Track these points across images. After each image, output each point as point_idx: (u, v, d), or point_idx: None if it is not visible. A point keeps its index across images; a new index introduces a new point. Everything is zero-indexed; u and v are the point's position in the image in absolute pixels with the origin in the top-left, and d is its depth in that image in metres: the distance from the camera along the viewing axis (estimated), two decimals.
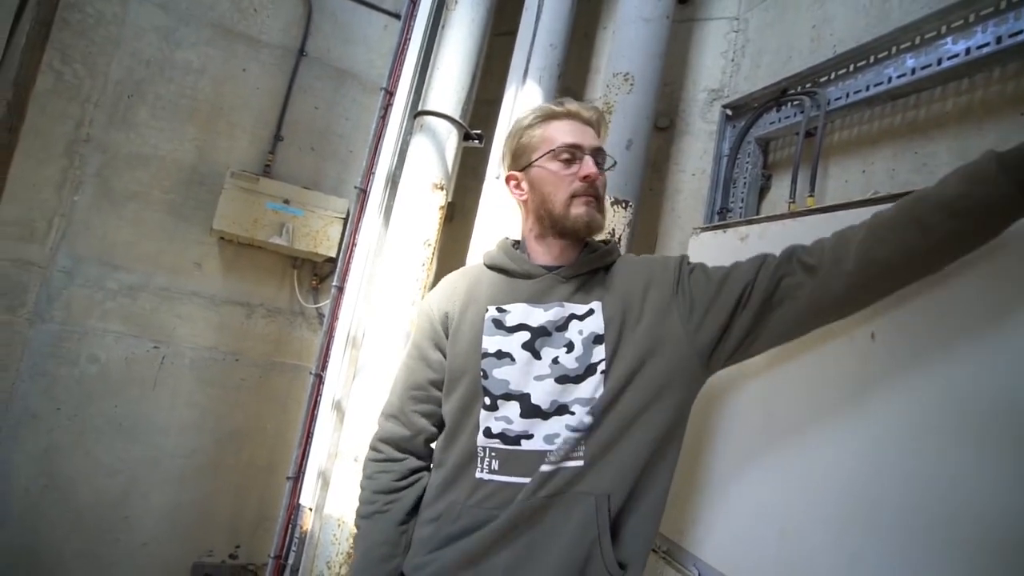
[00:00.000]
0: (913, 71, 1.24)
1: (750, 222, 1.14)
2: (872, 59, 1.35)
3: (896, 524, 0.76)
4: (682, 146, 1.98)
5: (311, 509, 2.09)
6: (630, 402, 0.88)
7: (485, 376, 0.92)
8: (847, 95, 1.39)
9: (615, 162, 1.00)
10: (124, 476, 2.23)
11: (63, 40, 2.17)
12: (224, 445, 2.37)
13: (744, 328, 0.86)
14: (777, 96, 1.59)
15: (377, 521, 0.97)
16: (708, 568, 1.07)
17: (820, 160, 1.41)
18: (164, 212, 2.30)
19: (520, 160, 0.99)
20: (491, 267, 1.02)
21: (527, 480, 0.86)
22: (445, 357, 0.98)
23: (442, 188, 1.96)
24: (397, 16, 2.61)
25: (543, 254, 0.98)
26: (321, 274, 2.52)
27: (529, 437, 0.89)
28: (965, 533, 0.68)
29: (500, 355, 0.92)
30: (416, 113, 2.07)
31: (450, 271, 1.97)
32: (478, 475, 0.89)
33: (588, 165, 0.92)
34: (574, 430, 0.87)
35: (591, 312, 0.92)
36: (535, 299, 0.94)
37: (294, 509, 2.16)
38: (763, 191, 1.66)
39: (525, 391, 0.90)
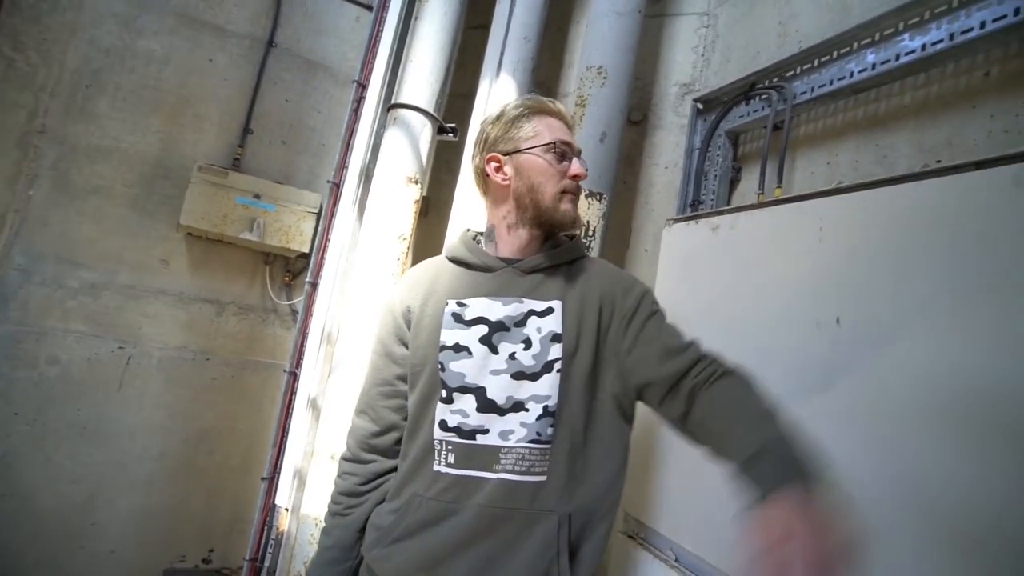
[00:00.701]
0: (873, 66, 1.29)
1: (721, 213, 1.16)
2: (835, 54, 1.39)
3: (861, 496, 0.79)
4: (655, 140, 2.01)
5: (287, 509, 2.06)
6: (585, 405, 0.90)
7: (442, 368, 0.92)
8: (812, 89, 1.43)
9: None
10: (89, 481, 2.15)
11: (14, 26, 2.07)
12: (195, 446, 2.31)
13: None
14: (746, 90, 1.63)
15: (337, 523, 0.98)
16: (684, 552, 1.09)
17: (787, 152, 1.45)
18: (127, 207, 2.22)
19: (506, 145, 0.98)
20: (451, 259, 1.02)
21: (484, 474, 0.87)
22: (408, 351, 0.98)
23: (416, 182, 1.94)
24: (369, 7, 2.57)
25: (507, 245, 0.98)
26: (294, 270, 2.47)
27: (484, 432, 0.89)
28: (926, 503, 0.71)
29: (457, 348, 0.92)
30: (390, 106, 2.04)
31: None
32: (435, 468, 0.90)
33: (577, 165, 0.95)
34: (534, 440, 0.87)
35: (550, 310, 0.93)
36: (494, 293, 0.94)
37: (269, 510, 2.12)
38: (733, 183, 1.70)
39: (481, 384, 0.90)
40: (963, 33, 1.11)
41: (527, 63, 1.86)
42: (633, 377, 0.89)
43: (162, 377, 2.26)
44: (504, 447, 0.88)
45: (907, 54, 1.22)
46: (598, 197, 1.63)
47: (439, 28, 2.02)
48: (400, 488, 0.95)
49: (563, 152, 0.95)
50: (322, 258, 2.27)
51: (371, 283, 1.89)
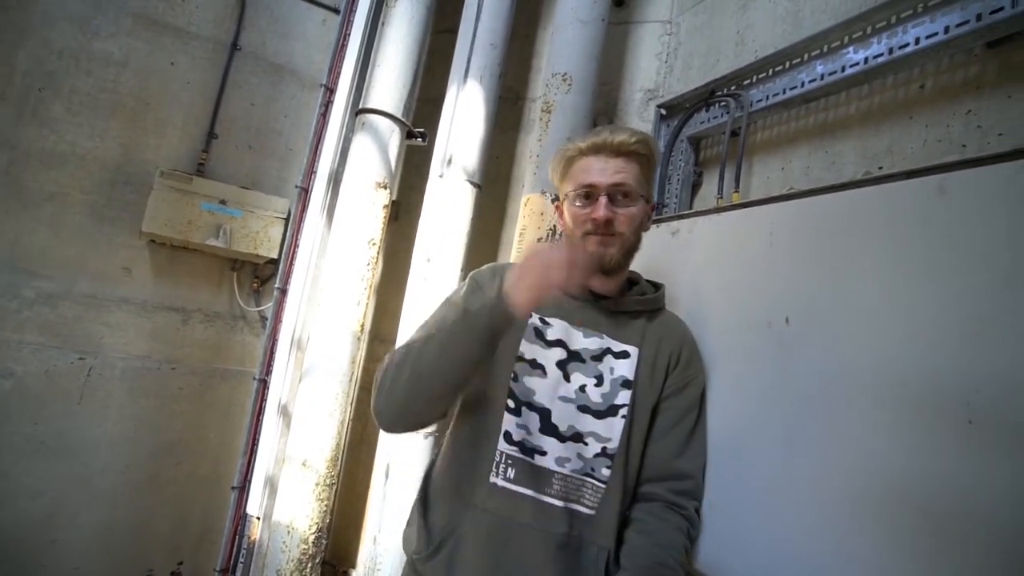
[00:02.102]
0: (822, 76, 1.35)
1: (680, 217, 1.21)
2: (787, 64, 1.45)
3: (814, 494, 0.84)
4: None
5: (259, 518, 2.03)
6: (636, 454, 0.94)
7: (515, 379, 0.93)
8: (767, 97, 1.49)
9: (643, 195, 0.96)
10: (49, 497, 2.09)
11: None
12: (162, 458, 2.26)
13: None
14: (706, 97, 1.69)
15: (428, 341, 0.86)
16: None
17: (744, 158, 1.51)
18: (86, 214, 2.15)
19: (561, 189, 1.01)
20: None
21: (538, 496, 0.89)
22: None
23: (385, 187, 1.95)
24: (336, 11, 2.55)
25: (596, 280, 0.98)
26: (262, 276, 2.44)
27: (543, 453, 0.91)
28: (873, 489, 0.76)
29: (534, 364, 0.93)
30: (358, 111, 2.04)
31: (397, 271, 1.96)
32: (492, 480, 0.90)
33: (599, 207, 0.92)
34: (588, 474, 0.91)
35: (626, 355, 0.96)
36: (576, 322, 0.96)
37: (241, 519, 2.09)
38: (695, 187, 1.75)
39: (547, 407, 0.92)
40: (900, 48, 1.18)
41: (494, 69, 1.89)
42: (654, 442, 0.96)
43: (125, 388, 2.20)
44: (558, 473, 0.91)
45: (851, 66, 1.28)
46: None
47: (406, 33, 2.03)
48: (451, 493, 0.93)
49: (587, 194, 0.94)
50: (291, 264, 2.25)
51: (341, 288, 1.88)
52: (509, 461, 0.91)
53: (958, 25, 1.09)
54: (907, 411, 0.74)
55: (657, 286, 1.06)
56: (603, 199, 0.92)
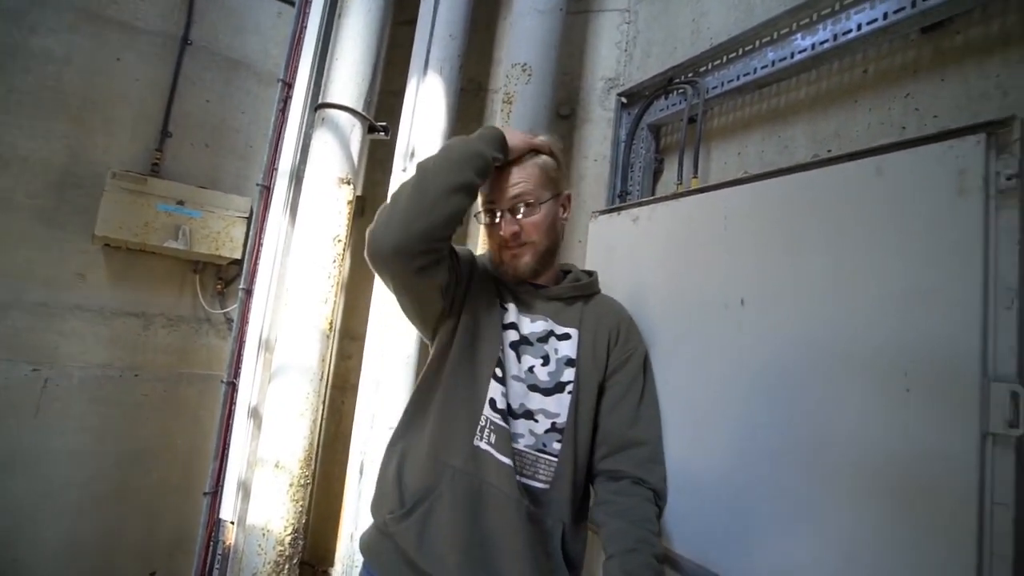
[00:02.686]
0: (773, 63, 1.39)
1: (640, 204, 1.23)
2: (741, 51, 1.49)
3: (773, 464, 0.87)
4: (584, 133, 2.08)
5: (233, 522, 2.00)
6: (585, 428, 0.97)
7: (503, 350, 0.96)
8: (722, 84, 1.53)
9: (549, 194, 0.98)
10: (7, 515, 2.01)
11: None
12: (129, 467, 2.19)
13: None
14: (664, 85, 1.71)
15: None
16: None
17: (702, 144, 1.54)
18: (34, 219, 2.05)
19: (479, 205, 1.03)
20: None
21: (505, 460, 0.91)
22: (457, 282, 0.98)
23: (349, 182, 1.92)
24: (291, 2, 2.48)
25: None
26: (226, 277, 2.38)
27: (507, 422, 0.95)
28: (828, 458, 0.80)
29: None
30: (317, 106, 2.00)
31: (365, 267, 1.94)
32: (476, 443, 0.92)
33: (503, 225, 0.96)
34: (540, 449, 0.94)
35: (568, 336, 1.01)
36: (524, 308, 1.01)
37: (214, 525, 2.05)
38: (657, 174, 1.78)
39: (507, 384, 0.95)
40: (844, 34, 1.23)
41: (454, 61, 1.87)
42: (605, 416, 0.99)
43: (85, 398, 2.13)
44: (513, 448, 0.93)
45: (800, 52, 1.32)
46: None
47: (364, 24, 1.99)
48: (427, 453, 0.93)
49: (491, 211, 0.98)
50: (255, 264, 2.20)
51: (308, 287, 1.86)
52: (492, 427, 0.93)
53: (895, 11, 1.14)
54: (853, 383, 0.78)
55: (590, 273, 1.11)
56: (507, 216, 0.96)
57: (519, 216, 0.96)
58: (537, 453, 0.94)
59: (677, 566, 1.01)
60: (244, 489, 1.98)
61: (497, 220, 0.98)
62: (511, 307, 1.01)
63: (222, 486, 2.05)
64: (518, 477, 0.91)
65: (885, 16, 1.15)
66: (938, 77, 1.11)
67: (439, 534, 0.89)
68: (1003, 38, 1.01)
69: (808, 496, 0.82)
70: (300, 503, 1.83)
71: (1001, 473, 0.63)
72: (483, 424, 0.93)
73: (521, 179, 0.97)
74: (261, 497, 1.81)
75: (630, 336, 1.06)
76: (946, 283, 0.70)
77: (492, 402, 0.94)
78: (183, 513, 2.24)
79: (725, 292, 1.00)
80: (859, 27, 1.20)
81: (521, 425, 0.95)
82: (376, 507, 1.00)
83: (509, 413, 0.94)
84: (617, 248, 1.28)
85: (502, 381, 0.94)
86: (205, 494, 2.03)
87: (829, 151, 1.28)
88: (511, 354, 0.97)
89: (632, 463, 0.97)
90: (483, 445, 0.92)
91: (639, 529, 0.90)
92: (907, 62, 1.16)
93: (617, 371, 1.02)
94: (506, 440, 0.92)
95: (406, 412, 1.03)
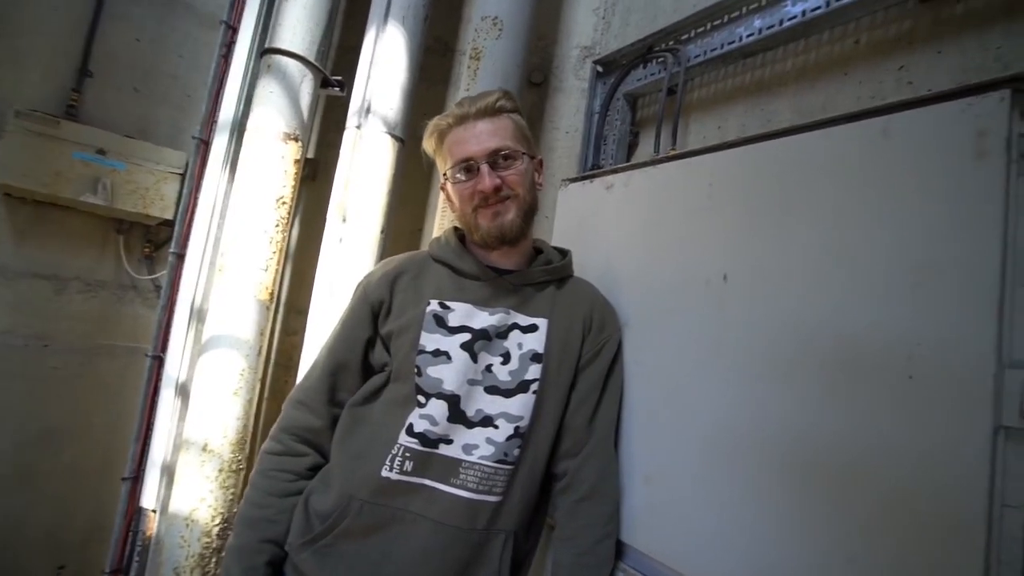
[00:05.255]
0: (760, 31, 1.30)
1: (615, 171, 1.13)
2: (726, 18, 1.39)
3: (756, 457, 0.79)
4: (556, 103, 1.95)
5: (154, 511, 1.82)
6: (555, 427, 0.90)
7: (419, 373, 0.86)
8: (705, 52, 1.43)
9: (524, 151, 0.92)
10: None
11: None
12: (34, 449, 1.96)
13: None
14: (643, 53, 1.61)
15: (264, 531, 0.87)
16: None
17: (681, 116, 1.45)
18: None
19: (441, 169, 0.96)
20: (437, 260, 0.96)
21: (439, 486, 0.83)
22: (373, 343, 0.93)
23: (296, 139, 1.73)
24: None
25: (489, 256, 0.94)
26: (156, 240, 2.15)
27: (449, 442, 0.85)
28: (813, 457, 0.72)
29: (437, 353, 0.87)
30: (263, 51, 1.79)
31: (316, 235, 1.77)
32: (384, 473, 0.84)
33: (482, 177, 0.87)
34: (501, 460, 0.85)
35: (534, 328, 0.90)
36: (481, 302, 0.90)
37: (134, 513, 1.86)
38: (631, 147, 1.68)
39: (456, 393, 0.86)
40: (837, 0, 1.14)
41: (418, 11, 1.71)
42: (571, 414, 0.92)
43: None
44: (466, 462, 0.84)
45: (789, 19, 1.24)
46: None
47: None
48: (335, 484, 0.86)
49: (467, 168, 0.89)
50: (189, 225, 1.98)
51: (247, 252, 1.67)
52: (407, 454, 0.85)
53: None
54: (849, 369, 0.70)
55: (564, 253, 1.01)
56: (484, 167, 0.88)
57: (499, 169, 0.88)
58: (496, 465, 0.85)
59: (639, 565, 0.92)
60: (169, 474, 1.80)
61: (474, 176, 0.88)
62: (458, 306, 0.90)
63: (144, 471, 1.85)
64: (468, 494, 0.83)
65: None
66: (934, 49, 1.04)
67: (342, 568, 0.82)
68: (1007, 6, 0.95)
69: (795, 494, 0.74)
70: (231, 490, 1.66)
71: (1014, 471, 0.56)
72: (395, 453, 0.84)
73: (497, 130, 0.90)
74: (186, 483, 1.63)
75: (605, 323, 0.97)
76: (959, 258, 0.63)
77: (409, 427, 0.85)
78: (99, 500, 2.03)
79: (707, 267, 0.90)
80: None
81: (478, 435, 0.85)
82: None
83: (463, 420, 0.85)
84: (589, 218, 1.17)
85: (423, 404, 0.86)
86: (124, 479, 1.83)
87: None
88: (462, 355, 0.86)
89: (590, 471, 0.90)
90: (394, 475, 0.83)
91: (588, 570, 0.87)
92: (903, 32, 1.09)
93: (588, 364, 0.94)
94: (427, 463, 0.84)
95: (338, 427, 0.92)
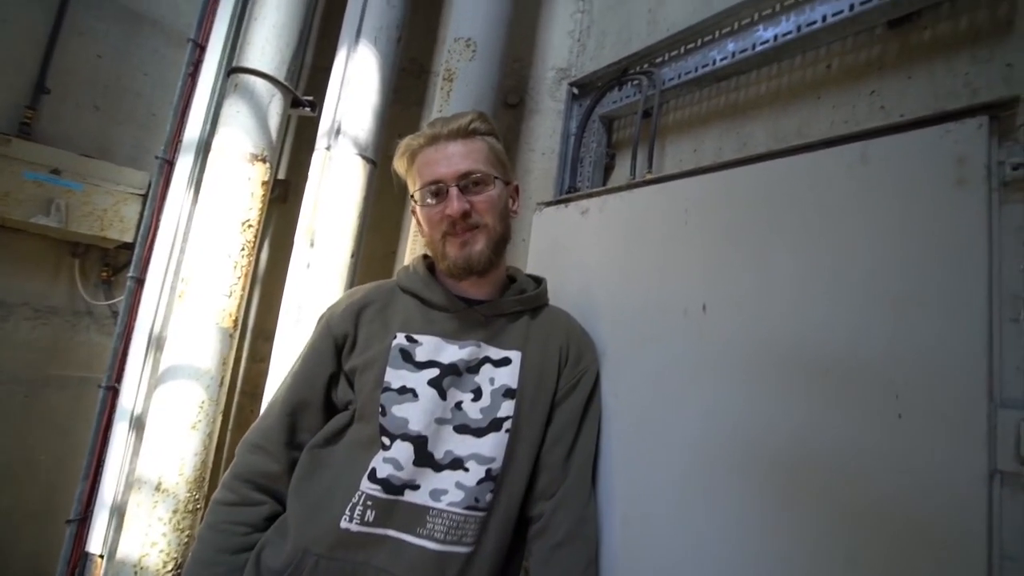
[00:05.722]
0: (733, 55, 1.30)
1: (590, 195, 1.10)
2: (699, 42, 1.39)
3: (732, 489, 0.74)
4: (531, 124, 1.94)
5: (102, 556, 1.68)
6: (529, 469, 0.84)
7: (383, 413, 0.80)
8: (679, 75, 1.43)
9: (498, 176, 0.88)
10: None
11: None
12: None
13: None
14: (618, 75, 1.60)
15: None
16: None
17: (657, 139, 1.43)
18: None
19: (411, 190, 0.90)
20: (405, 290, 0.90)
21: (405, 536, 0.76)
22: (336, 379, 0.88)
23: (264, 160, 1.67)
24: None
25: (468, 284, 0.88)
26: (114, 264, 2.05)
27: (415, 488, 0.78)
28: (803, 494, 0.68)
29: (402, 391, 0.81)
30: (230, 70, 1.74)
31: (285, 260, 1.69)
32: (344, 525, 0.76)
33: (451, 201, 0.82)
34: (471, 507, 0.78)
35: (507, 361, 0.85)
36: (450, 335, 0.85)
37: (79, 559, 1.72)
38: (608, 169, 1.67)
39: (423, 433, 0.79)
40: (808, 25, 1.15)
41: (391, 31, 1.68)
42: (546, 452, 0.86)
43: None
44: (433, 509, 0.77)
45: (761, 44, 1.24)
46: None
47: None
48: (290, 536, 0.78)
49: (436, 191, 0.84)
50: (150, 248, 1.89)
51: (210, 278, 1.59)
52: (369, 502, 0.77)
53: (862, 2, 1.06)
54: (835, 405, 0.66)
55: (539, 281, 0.97)
56: (453, 191, 0.83)
57: (469, 194, 0.84)
58: (465, 512, 0.78)
59: None
60: (118, 515, 1.67)
61: (443, 199, 0.83)
62: (426, 339, 0.84)
63: (92, 512, 1.72)
64: (436, 545, 0.76)
65: (851, 7, 1.08)
66: (905, 74, 1.04)
67: None
68: (972, 34, 0.95)
69: (780, 534, 0.69)
70: (186, 532, 1.55)
71: (1011, 519, 0.52)
72: (355, 501, 0.77)
73: (469, 152, 0.85)
74: (137, 525, 1.52)
75: (582, 354, 0.92)
76: (943, 289, 0.60)
77: (372, 473, 0.78)
78: (41, 544, 1.88)
79: (685, 296, 0.87)
80: (824, 18, 1.12)
81: (446, 478, 0.79)
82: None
83: (431, 463, 0.79)
84: (564, 243, 1.13)
85: (387, 447, 0.79)
86: (69, 521, 1.70)
87: None
88: (429, 392, 0.81)
89: (566, 514, 0.84)
90: (354, 527, 0.76)
91: None
92: (872, 58, 1.10)
93: (564, 398, 0.88)
94: (391, 512, 0.77)
95: (296, 470, 0.85)
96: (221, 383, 1.64)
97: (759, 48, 1.24)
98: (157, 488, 1.52)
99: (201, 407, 1.58)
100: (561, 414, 0.87)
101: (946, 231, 0.61)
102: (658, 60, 1.50)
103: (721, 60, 1.32)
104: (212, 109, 1.87)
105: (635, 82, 1.55)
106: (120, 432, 1.73)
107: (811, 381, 0.69)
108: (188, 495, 1.54)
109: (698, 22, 1.35)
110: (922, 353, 0.60)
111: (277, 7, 1.74)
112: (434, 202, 0.85)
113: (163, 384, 1.59)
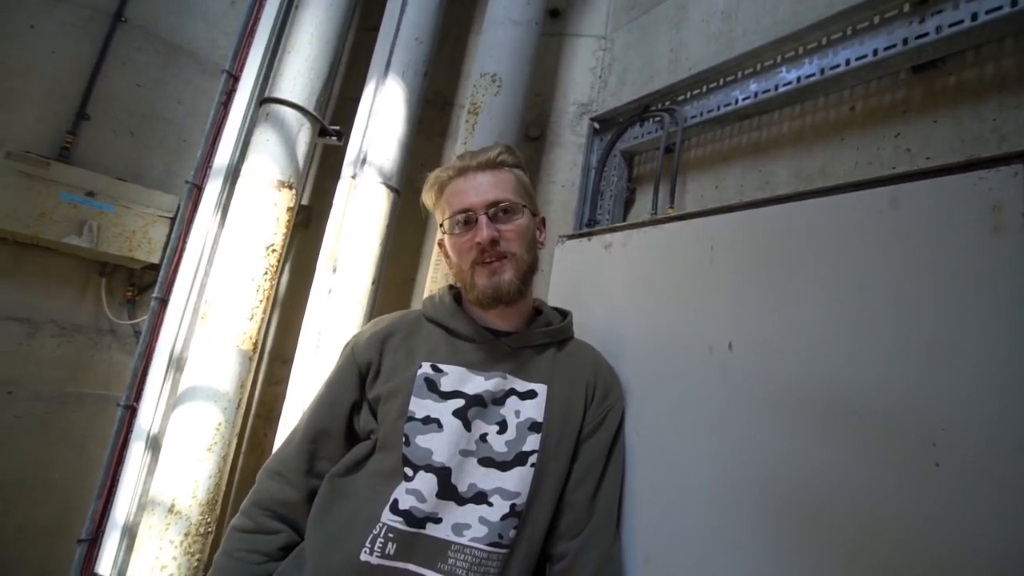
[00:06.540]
0: (756, 95, 1.33)
1: (613, 230, 1.10)
2: (722, 81, 1.42)
3: (753, 530, 0.72)
4: (552, 157, 1.97)
5: None
6: (553, 505, 0.82)
7: (407, 443, 0.79)
8: (701, 113, 1.45)
9: (526, 206, 0.89)
10: None
11: None
12: None
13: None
14: (640, 111, 1.63)
15: None
16: None
17: (679, 174, 1.45)
18: None
19: (439, 221, 0.92)
20: (431, 320, 0.90)
21: (425, 571, 0.74)
22: (359, 407, 0.87)
23: (291, 187, 1.72)
24: None
25: (495, 315, 0.88)
26: (140, 284, 2.09)
27: (437, 521, 0.77)
28: (832, 542, 0.66)
29: (427, 421, 0.80)
30: (262, 100, 1.81)
31: (306, 284, 1.72)
32: (363, 558, 0.74)
33: (480, 228, 0.83)
34: (495, 543, 0.77)
35: (533, 394, 0.84)
36: (476, 365, 0.84)
37: None
38: (628, 203, 1.68)
39: (447, 465, 0.78)
40: (832, 68, 1.17)
41: (419, 66, 1.74)
42: (571, 490, 0.85)
43: None
44: (456, 544, 0.76)
45: (784, 85, 1.26)
46: None
47: (324, 19, 1.83)
48: (308, 567, 0.77)
49: (465, 220, 0.85)
50: (175, 270, 1.93)
51: (233, 300, 1.62)
52: (391, 535, 0.76)
53: (886, 48, 1.08)
54: (867, 451, 0.65)
55: (564, 314, 0.96)
56: (483, 219, 0.83)
57: (499, 222, 0.84)
58: (489, 549, 0.76)
59: None
60: (130, 536, 1.66)
61: (472, 227, 0.84)
62: (452, 369, 0.84)
63: (103, 532, 1.71)
64: None
65: (875, 53, 1.10)
66: (930, 118, 1.05)
67: None
68: (999, 81, 0.96)
69: (806, 555, 0.67)
70: (196, 556, 1.53)
71: None
72: (376, 533, 0.76)
73: (498, 182, 0.87)
74: (148, 548, 1.50)
75: (609, 390, 0.91)
76: (979, 336, 0.59)
77: (394, 504, 0.77)
78: (50, 564, 1.86)
79: (710, 333, 0.86)
80: (847, 62, 1.15)
81: (470, 512, 0.77)
82: None
83: (454, 496, 0.78)
84: (586, 277, 1.14)
85: (410, 478, 0.78)
86: (80, 541, 1.69)
87: None
88: (454, 423, 0.80)
89: (592, 555, 0.82)
90: (374, 559, 0.74)
91: None
92: (897, 101, 1.11)
93: (591, 434, 0.87)
94: (413, 546, 0.76)
95: (316, 500, 0.84)
96: (238, 405, 1.64)
97: (782, 89, 1.26)
98: (170, 510, 1.51)
99: (218, 429, 1.58)
100: (587, 451, 0.86)
101: (983, 276, 0.61)
102: (680, 98, 1.53)
103: (744, 100, 1.35)
104: (242, 137, 1.93)
105: (657, 119, 1.58)
106: (136, 452, 1.73)
107: (841, 425, 0.67)
108: (200, 518, 1.53)
109: (721, 62, 1.38)
110: (959, 401, 0.59)
111: (311, 41, 1.81)
112: (463, 230, 0.85)
113: (181, 404, 1.60)
